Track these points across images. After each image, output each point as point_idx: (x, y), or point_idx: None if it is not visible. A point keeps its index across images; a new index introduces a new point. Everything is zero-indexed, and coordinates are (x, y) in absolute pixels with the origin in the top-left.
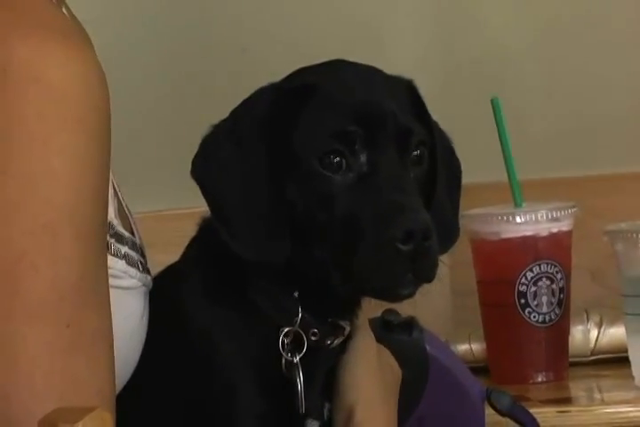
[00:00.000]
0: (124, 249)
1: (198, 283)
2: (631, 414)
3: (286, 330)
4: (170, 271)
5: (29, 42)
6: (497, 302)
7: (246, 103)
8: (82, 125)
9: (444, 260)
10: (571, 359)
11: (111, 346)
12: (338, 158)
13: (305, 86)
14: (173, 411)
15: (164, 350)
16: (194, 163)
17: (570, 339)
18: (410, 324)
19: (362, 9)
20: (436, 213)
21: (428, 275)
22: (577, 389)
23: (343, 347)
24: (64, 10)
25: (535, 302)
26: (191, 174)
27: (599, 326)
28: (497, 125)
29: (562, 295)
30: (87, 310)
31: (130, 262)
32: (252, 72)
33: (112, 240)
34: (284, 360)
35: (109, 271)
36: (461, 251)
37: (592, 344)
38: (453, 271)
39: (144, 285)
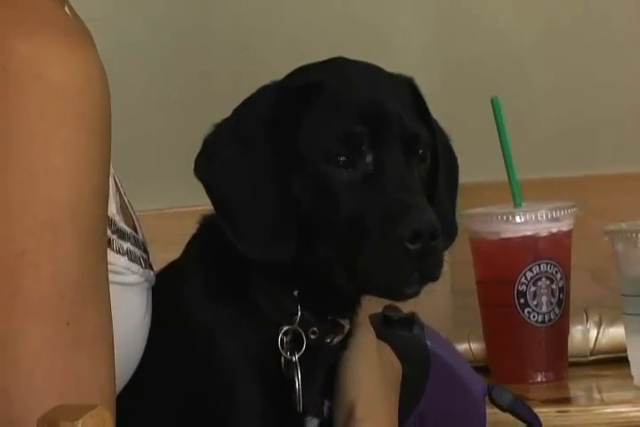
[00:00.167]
0: (127, 245)
1: (199, 282)
2: (631, 414)
3: (285, 329)
4: (170, 270)
5: (31, 39)
6: (496, 301)
7: (249, 102)
8: (83, 123)
9: (446, 258)
10: (570, 359)
11: (112, 344)
12: (344, 158)
13: (309, 85)
14: (174, 409)
15: (165, 348)
16: (197, 162)
17: (569, 339)
18: (411, 320)
19: (363, 8)
20: (437, 210)
21: (433, 274)
22: (576, 389)
23: (343, 344)
24: (66, 8)
25: (535, 302)
26: (195, 174)
27: (599, 325)
28: (497, 125)
29: (561, 295)
30: (88, 308)
31: (132, 259)
32: (253, 70)
33: (114, 236)
34: (283, 359)
35: (111, 268)
36: (461, 250)
37: (591, 344)
38: (453, 271)
39: (147, 280)
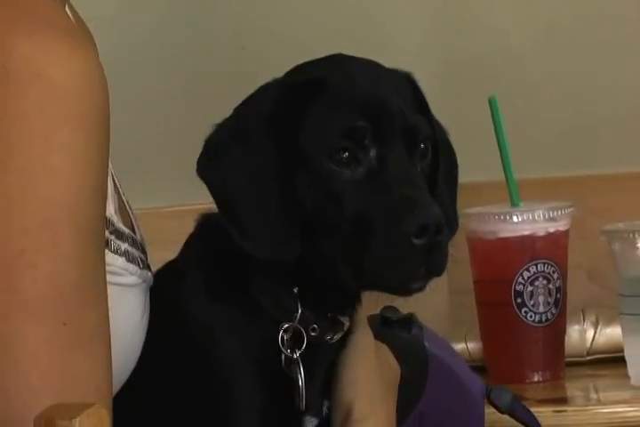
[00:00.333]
0: (124, 246)
1: (198, 281)
2: (627, 414)
3: (286, 326)
4: (169, 269)
5: (31, 39)
6: (494, 301)
7: (250, 100)
8: (82, 123)
9: (451, 252)
10: (567, 359)
11: (109, 344)
12: (347, 154)
13: (310, 81)
14: (174, 407)
15: (165, 347)
16: (199, 162)
17: (566, 339)
18: (409, 321)
19: (362, 6)
20: (438, 204)
21: (439, 268)
22: (573, 388)
23: (343, 342)
24: (67, 8)
25: (532, 302)
26: (197, 174)
27: (595, 325)
28: (494, 125)
29: (558, 295)
30: (85, 308)
31: (130, 259)
32: (252, 69)
33: (112, 237)
34: (283, 356)
35: (109, 268)
36: (459, 249)
37: (588, 344)
38: (450, 270)
39: (144, 281)
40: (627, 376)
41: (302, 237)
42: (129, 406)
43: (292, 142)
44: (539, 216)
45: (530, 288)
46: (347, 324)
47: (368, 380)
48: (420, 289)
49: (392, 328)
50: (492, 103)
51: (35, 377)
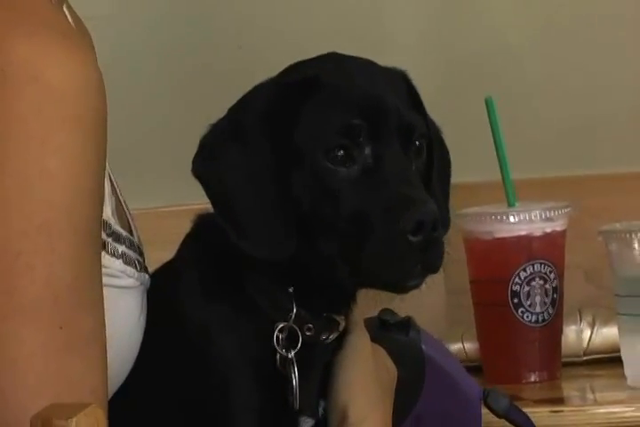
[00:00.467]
0: (122, 248)
1: (194, 281)
2: (624, 415)
3: (281, 326)
4: (166, 269)
5: (29, 41)
6: (490, 301)
7: (245, 100)
8: (79, 125)
9: (447, 249)
10: (564, 359)
11: (105, 346)
12: (343, 152)
13: (305, 80)
14: (171, 408)
15: (161, 348)
16: (194, 163)
17: (563, 339)
18: (406, 324)
19: (359, 5)
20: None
21: (435, 265)
22: (570, 389)
23: (338, 343)
24: (65, 8)
25: (528, 302)
26: (193, 174)
27: (592, 326)
28: (491, 125)
29: (555, 295)
30: (82, 311)
31: (127, 262)
32: (249, 69)
33: (109, 239)
34: (278, 356)
35: (106, 271)
36: (455, 249)
37: (585, 344)
38: (447, 270)
39: (142, 284)
40: (623, 376)
41: (298, 236)
42: (126, 406)
43: (288, 141)
44: (535, 216)
45: (526, 288)
46: (342, 323)
47: (364, 382)
48: (417, 286)
49: (389, 331)
50: (488, 103)
51: (31, 379)
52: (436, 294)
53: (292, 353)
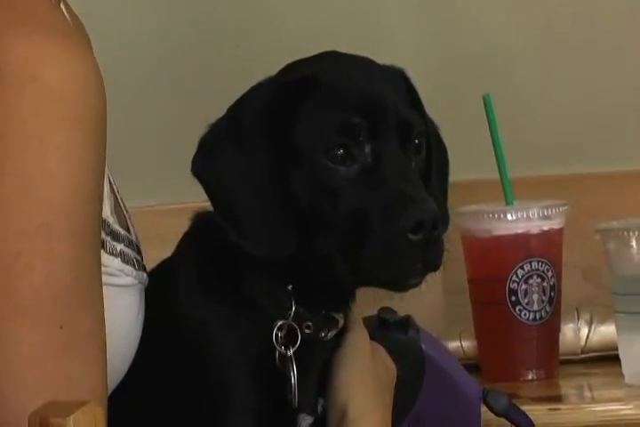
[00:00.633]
0: (120, 247)
1: (192, 279)
2: (621, 413)
3: (280, 323)
4: (164, 267)
5: (27, 40)
6: (488, 299)
7: (243, 99)
8: (79, 125)
9: (447, 247)
10: (561, 357)
11: (104, 346)
12: (342, 150)
13: (304, 79)
14: (169, 406)
15: (159, 346)
16: (194, 162)
17: (560, 337)
18: (406, 323)
19: (357, 4)
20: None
21: (435, 263)
22: (567, 387)
23: (337, 341)
24: (62, 6)
25: (526, 300)
26: (192, 173)
27: (590, 324)
28: (488, 123)
29: (553, 293)
30: (81, 311)
31: (125, 260)
32: (247, 67)
33: (108, 238)
34: (277, 354)
35: (105, 269)
36: (453, 248)
37: (583, 342)
38: (445, 268)
39: (140, 282)
40: (621, 374)
41: (298, 235)
42: (124, 405)
43: (287, 140)
44: (533, 214)
45: (524, 286)
46: (341, 321)
47: (363, 380)
48: (417, 285)
49: (389, 330)
50: (486, 101)
51: (30, 379)
52: (434, 293)
53: (292, 351)
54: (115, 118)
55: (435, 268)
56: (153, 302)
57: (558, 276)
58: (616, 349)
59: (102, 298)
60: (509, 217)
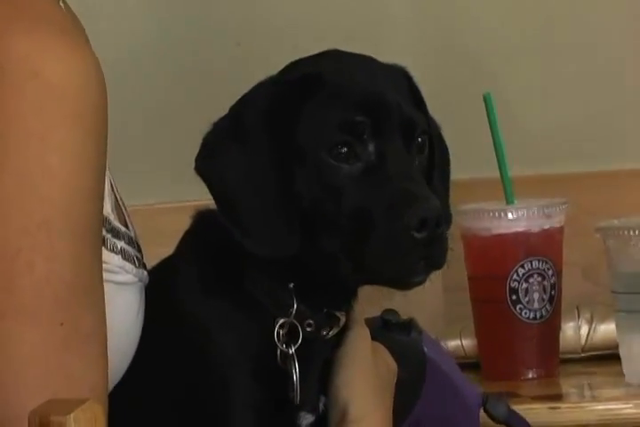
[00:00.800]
0: (121, 244)
1: (194, 277)
2: (622, 411)
3: (281, 321)
4: (165, 265)
5: (28, 37)
6: (488, 298)
7: (246, 98)
8: (80, 122)
9: (450, 246)
10: (562, 356)
11: (105, 344)
12: (346, 149)
13: (306, 77)
14: (170, 404)
15: (160, 344)
16: (197, 161)
17: (561, 335)
18: (409, 324)
19: (357, 3)
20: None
21: (439, 261)
22: (568, 385)
23: (339, 339)
24: (61, 4)
25: (526, 299)
26: (196, 172)
27: (590, 322)
28: (489, 122)
29: (553, 292)
30: (81, 309)
31: (126, 257)
32: (247, 65)
33: (108, 235)
34: (279, 352)
35: (105, 266)
36: (453, 246)
37: (583, 341)
38: (445, 267)
39: (140, 280)
40: (621, 373)
41: (301, 233)
42: (124, 403)
43: (290, 139)
44: (533, 213)
45: (524, 285)
46: (342, 319)
47: (364, 379)
48: (421, 283)
49: (392, 331)
50: (486, 100)
51: (31, 377)
52: (434, 291)
53: (293, 349)
54: (116, 116)
55: (439, 266)
56: (153, 301)
57: (559, 274)
58: (617, 347)
59: (103, 296)
60: (510, 216)
